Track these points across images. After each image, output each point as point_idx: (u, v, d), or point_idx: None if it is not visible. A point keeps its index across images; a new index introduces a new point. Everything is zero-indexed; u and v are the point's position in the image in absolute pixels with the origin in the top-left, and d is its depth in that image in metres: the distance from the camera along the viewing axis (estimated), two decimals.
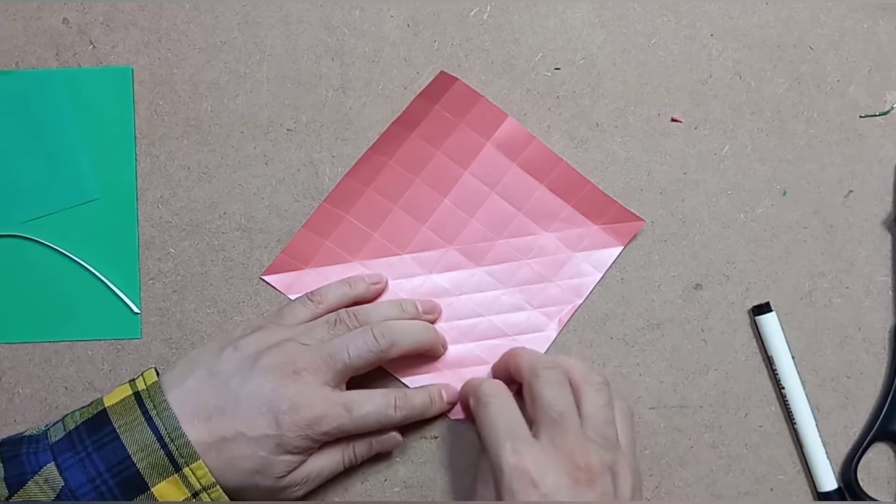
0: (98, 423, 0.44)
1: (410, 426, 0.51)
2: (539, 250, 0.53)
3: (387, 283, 0.52)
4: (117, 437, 0.43)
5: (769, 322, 0.52)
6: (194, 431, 0.44)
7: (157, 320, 0.52)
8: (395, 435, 0.50)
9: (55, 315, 0.52)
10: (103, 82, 0.53)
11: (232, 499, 0.45)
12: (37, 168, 0.52)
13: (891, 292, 0.53)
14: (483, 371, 0.52)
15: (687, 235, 0.53)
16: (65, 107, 0.52)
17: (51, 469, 0.43)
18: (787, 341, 0.52)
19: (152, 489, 0.43)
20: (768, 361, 0.52)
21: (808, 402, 0.52)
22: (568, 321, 0.53)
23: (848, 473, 0.52)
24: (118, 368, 0.52)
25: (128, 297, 0.52)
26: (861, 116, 0.54)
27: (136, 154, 0.53)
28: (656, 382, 0.52)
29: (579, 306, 0.53)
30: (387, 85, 0.53)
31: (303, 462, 0.46)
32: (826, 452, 0.51)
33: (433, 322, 0.52)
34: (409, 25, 0.54)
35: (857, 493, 0.51)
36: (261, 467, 0.45)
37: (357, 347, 0.47)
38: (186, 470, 0.43)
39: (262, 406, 0.45)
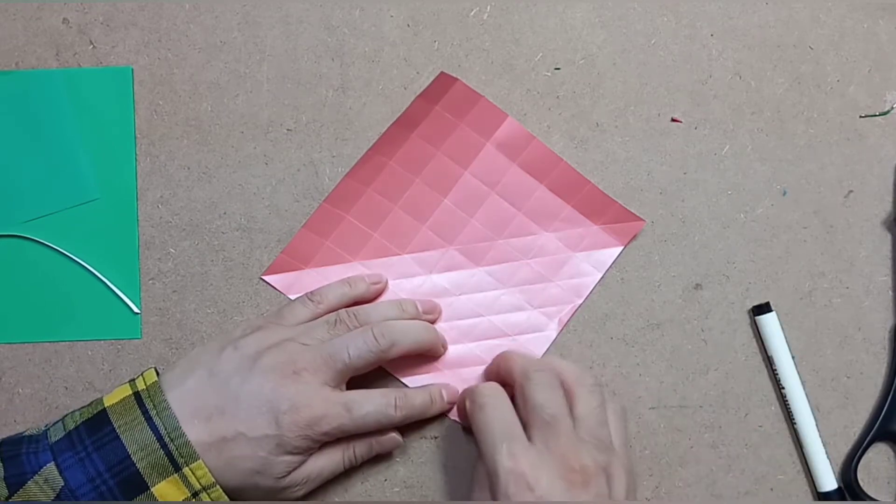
0: (98, 423, 0.44)
1: (410, 426, 0.51)
2: (539, 250, 0.53)
3: (387, 283, 0.52)
4: (117, 437, 0.43)
5: (769, 322, 0.52)
6: (194, 431, 0.44)
7: (157, 320, 0.52)
8: (396, 436, 0.50)
9: (55, 315, 0.52)
10: (103, 82, 0.53)
11: (232, 499, 0.45)
12: (37, 168, 0.52)
13: (891, 292, 0.53)
14: (482, 371, 0.52)
15: (687, 235, 0.53)
16: (65, 107, 0.52)
17: (51, 469, 0.43)
18: (787, 341, 0.52)
19: (152, 489, 0.43)
20: (768, 361, 0.52)
21: (808, 402, 0.52)
22: (568, 321, 0.53)
23: (848, 473, 0.52)
24: (118, 368, 0.52)
25: (128, 297, 0.52)
26: (861, 116, 0.54)
27: (136, 154, 0.53)
28: (656, 382, 0.52)
29: (579, 306, 0.53)
30: (387, 85, 0.53)
31: (303, 462, 0.46)
32: (826, 452, 0.51)
33: (433, 322, 0.52)
34: (409, 25, 0.54)
35: (857, 493, 0.51)
36: (261, 467, 0.45)
37: (357, 347, 0.47)
38: (186, 470, 0.43)
39: (262, 406, 0.45)
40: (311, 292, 0.50)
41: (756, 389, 0.53)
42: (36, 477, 0.42)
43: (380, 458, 0.51)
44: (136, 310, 0.52)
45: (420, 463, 0.51)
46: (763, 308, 0.52)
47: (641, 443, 0.52)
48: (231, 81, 0.53)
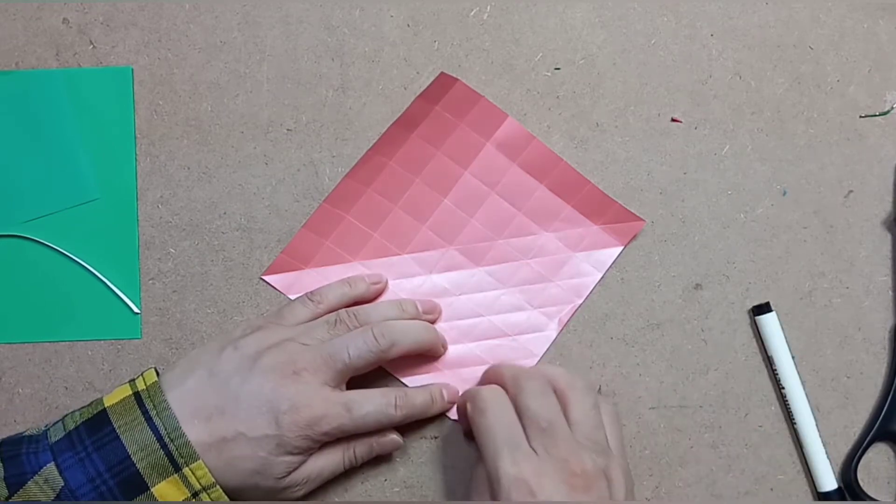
0: (98, 423, 0.44)
1: (410, 426, 0.51)
2: (539, 250, 0.53)
3: (387, 283, 0.52)
4: (117, 437, 0.43)
5: (769, 322, 0.52)
6: (194, 431, 0.44)
7: (157, 320, 0.52)
8: (396, 437, 0.50)
9: (55, 315, 0.52)
10: (103, 82, 0.53)
11: (232, 499, 0.45)
12: (37, 168, 0.52)
13: (891, 292, 0.53)
14: (483, 371, 0.52)
15: (687, 235, 0.53)
16: (65, 107, 0.52)
17: (51, 469, 0.43)
18: (787, 341, 0.52)
19: (152, 489, 0.43)
20: (768, 361, 0.52)
21: (808, 402, 0.52)
22: (568, 321, 0.53)
23: (848, 473, 0.52)
24: (118, 368, 0.52)
25: (128, 297, 0.52)
26: (861, 116, 0.54)
27: (136, 154, 0.53)
28: (656, 382, 0.52)
29: (579, 306, 0.53)
30: (387, 85, 0.53)
31: (303, 462, 0.46)
32: (826, 452, 0.51)
33: (433, 322, 0.52)
34: (409, 25, 0.54)
35: (857, 493, 0.51)
36: (261, 468, 0.45)
37: (357, 347, 0.47)
38: (186, 470, 0.43)
39: (262, 406, 0.45)
40: (311, 292, 0.50)
41: (756, 389, 0.53)
42: (36, 477, 0.42)
43: (380, 458, 0.51)
44: (136, 310, 0.52)
45: (420, 463, 0.51)
46: (763, 308, 0.52)
47: (641, 443, 0.52)
48: (231, 81, 0.53)
